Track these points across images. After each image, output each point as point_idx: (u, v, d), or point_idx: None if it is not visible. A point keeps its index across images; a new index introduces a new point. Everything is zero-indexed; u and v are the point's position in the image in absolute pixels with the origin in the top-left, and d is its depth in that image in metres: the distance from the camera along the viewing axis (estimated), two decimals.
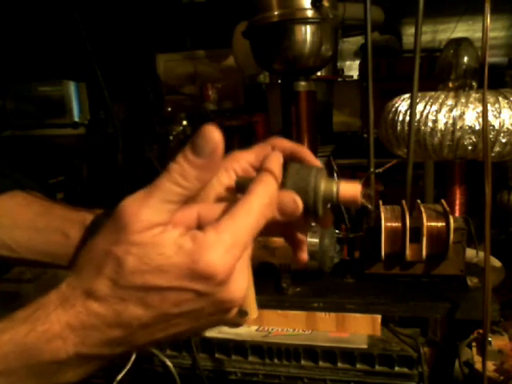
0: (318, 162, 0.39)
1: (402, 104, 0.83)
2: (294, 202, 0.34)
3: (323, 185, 0.36)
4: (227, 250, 0.29)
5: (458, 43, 0.85)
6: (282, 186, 0.36)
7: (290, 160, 0.37)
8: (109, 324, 0.29)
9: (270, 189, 0.32)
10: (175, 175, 0.29)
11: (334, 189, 0.36)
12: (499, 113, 0.76)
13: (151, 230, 0.28)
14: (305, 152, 0.39)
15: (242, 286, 0.30)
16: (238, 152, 0.40)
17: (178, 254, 0.28)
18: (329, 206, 0.39)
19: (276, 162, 0.34)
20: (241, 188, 0.36)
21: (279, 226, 0.39)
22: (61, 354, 0.29)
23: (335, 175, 0.90)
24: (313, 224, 0.46)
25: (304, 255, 0.40)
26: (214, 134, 0.29)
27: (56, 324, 0.29)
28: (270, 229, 0.37)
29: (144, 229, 0.28)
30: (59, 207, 0.50)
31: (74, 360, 0.29)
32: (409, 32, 2.41)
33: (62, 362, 0.29)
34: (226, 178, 0.38)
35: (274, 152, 0.36)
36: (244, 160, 0.39)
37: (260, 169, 0.34)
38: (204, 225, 0.31)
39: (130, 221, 0.28)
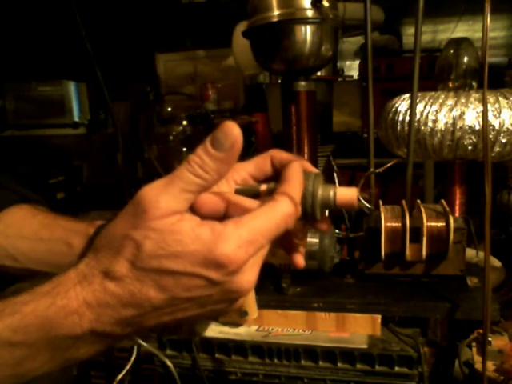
0: (315, 170, 0.40)
1: (402, 104, 0.83)
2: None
3: (321, 190, 0.37)
4: (242, 245, 0.30)
5: (458, 43, 0.85)
6: None
7: None
8: (123, 303, 0.30)
9: (295, 199, 0.33)
10: (195, 166, 0.30)
11: (332, 194, 0.37)
12: (499, 113, 0.75)
13: (169, 218, 0.30)
14: (302, 161, 0.40)
15: (250, 279, 0.32)
16: (238, 163, 0.40)
17: (195, 242, 0.30)
18: (327, 212, 0.39)
19: (299, 173, 0.36)
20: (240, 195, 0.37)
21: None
22: (76, 330, 0.30)
23: (335, 175, 0.90)
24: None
25: (301, 260, 0.41)
26: (233, 130, 0.31)
27: (74, 300, 0.30)
28: None
29: (163, 215, 0.30)
30: (63, 219, 0.51)
31: (87, 336, 0.31)
32: (409, 32, 2.41)
33: (77, 337, 0.31)
34: (225, 188, 0.39)
35: (295, 162, 0.37)
36: (243, 170, 0.41)
37: (281, 178, 0.36)
38: (230, 213, 0.33)
39: (150, 207, 0.30)
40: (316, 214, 0.36)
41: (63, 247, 0.47)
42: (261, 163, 0.41)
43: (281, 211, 0.32)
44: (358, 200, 0.38)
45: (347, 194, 0.37)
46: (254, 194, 0.38)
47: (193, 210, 0.32)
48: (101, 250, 0.31)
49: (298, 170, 0.36)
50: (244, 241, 0.30)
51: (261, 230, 0.31)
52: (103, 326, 0.31)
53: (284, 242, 0.41)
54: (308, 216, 0.36)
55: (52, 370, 0.32)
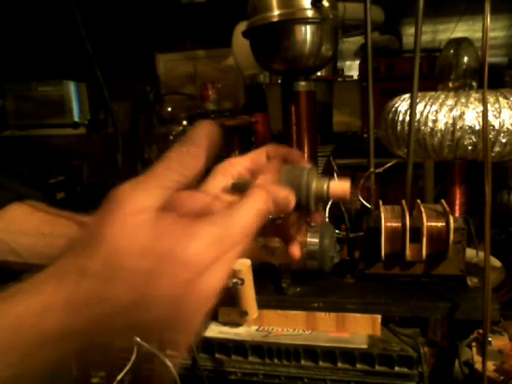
0: (309, 164, 0.41)
1: (402, 104, 0.83)
2: (287, 196, 0.36)
3: (315, 182, 0.39)
4: (213, 243, 0.30)
5: (458, 43, 0.85)
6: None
7: (283, 163, 0.41)
8: (96, 300, 0.30)
9: (265, 196, 0.34)
10: (171, 162, 0.32)
11: (325, 186, 0.39)
12: (499, 113, 0.75)
13: (144, 213, 0.30)
14: (297, 155, 0.42)
15: (219, 277, 0.31)
16: (234, 157, 0.43)
17: (167, 239, 0.29)
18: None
19: (272, 169, 0.38)
20: (236, 189, 0.39)
21: (274, 226, 0.42)
22: (49, 327, 0.30)
23: (335, 175, 0.90)
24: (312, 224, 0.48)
25: (297, 250, 0.43)
26: (207, 127, 0.33)
27: (50, 296, 0.30)
28: (266, 228, 0.40)
29: (137, 211, 0.30)
30: (64, 215, 0.53)
31: (58, 334, 0.30)
32: (409, 32, 2.40)
33: (48, 334, 0.30)
34: (222, 181, 0.41)
35: (270, 162, 0.40)
36: (239, 165, 0.42)
37: (257, 174, 0.38)
38: (210, 212, 0.33)
39: (124, 203, 0.30)
40: (310, 205, 0.38)
41: (64, 242, 0.48)
42: (257, 158, 0.42)
43: (253, 208, 0.33)
44: (351, 193, 0.40)
45: (340, 187, 0.39)
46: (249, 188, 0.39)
47: (171, 207, 0.32)
48: (77, 247, 0.31)
49: (272, 165, 0.38)
50: (215, 238, 0.30)
51: (233, 227, 0.31)
52: (75, 322, 0.30)
53: (280, 233, 0.42)
54: (302, 208, 0.38)
55: (18, 373, 0.31)
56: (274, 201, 0.36)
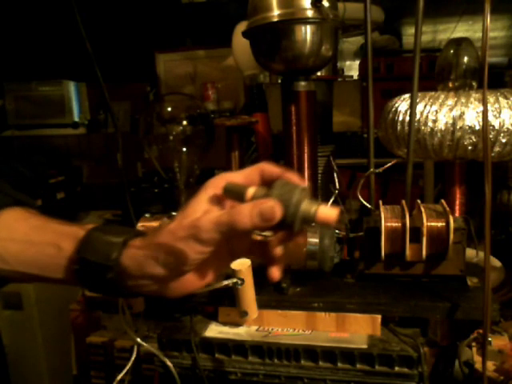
0: (303, 184, 0.41)
1: (402, 104, 0.83)
2: (273, 208, 0.38)
3: (305, 203, 0.39)
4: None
5: (458, 43, 0.85)
6: (268, 196, 0.39)
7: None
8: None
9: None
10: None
11: (313, 209, 0.39)
12: (499, 113, 0.75)
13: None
14: (292, 176, 0.42)
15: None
16: (227, 172, 0.44)
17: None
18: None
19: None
20: (228, 192, 0.41)
21: (259, 245, 0.45)
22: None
23: (335, 175, 0.90)
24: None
25: (277, 273, 0.44)
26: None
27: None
28: (252, 247, 0.45)
29: None
30: (54, 222, 0.51)
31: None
32: (409, 32, 2.40)
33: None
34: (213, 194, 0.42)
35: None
36: (231, 180, 0.42)
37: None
38: None
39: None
40: (295, 224, 0.38)
41: (52, 250, 0.47)
42: (250, 175, 0.43)
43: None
44: (338, 221, 0.39)
45: (328, 213, 0.39)
46: (239, 196, 0.40)
47: None
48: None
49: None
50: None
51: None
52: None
53: (265, 253, 0.44)
54: (286, 225, 0.38)
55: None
56: (259, 210, 0.37)
